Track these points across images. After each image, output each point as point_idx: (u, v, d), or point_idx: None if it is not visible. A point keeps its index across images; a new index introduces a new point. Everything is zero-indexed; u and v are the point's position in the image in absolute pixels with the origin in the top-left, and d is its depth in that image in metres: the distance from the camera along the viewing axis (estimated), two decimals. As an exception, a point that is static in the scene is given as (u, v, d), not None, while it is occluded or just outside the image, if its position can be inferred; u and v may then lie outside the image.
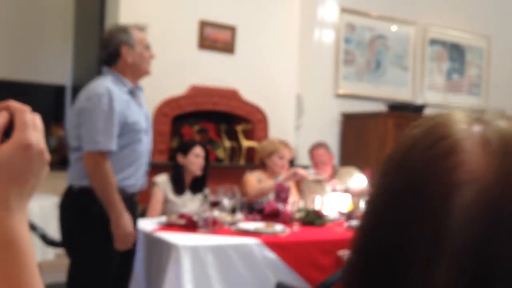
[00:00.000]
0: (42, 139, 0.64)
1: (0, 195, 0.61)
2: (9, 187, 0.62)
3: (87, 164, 2.40)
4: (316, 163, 4.05)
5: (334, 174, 4.05)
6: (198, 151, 3.41)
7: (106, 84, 2.46)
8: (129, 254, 2.63)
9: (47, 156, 0.64)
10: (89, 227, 2.45)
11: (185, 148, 3.44)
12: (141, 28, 2.65)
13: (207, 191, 3.24)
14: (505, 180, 0.43)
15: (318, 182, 3.99)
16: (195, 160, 3.39)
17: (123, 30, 2.59)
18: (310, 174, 3.84)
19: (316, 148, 4.11)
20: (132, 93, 2.57)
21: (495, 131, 0.45)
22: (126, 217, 2.43)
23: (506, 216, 0.42)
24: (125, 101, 2.51)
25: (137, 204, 2.70)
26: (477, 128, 0.46)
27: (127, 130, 2.50)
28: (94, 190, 2.41)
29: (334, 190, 3.62)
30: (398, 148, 0.49)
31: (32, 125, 0.63)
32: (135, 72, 2.59)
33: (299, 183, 4.16)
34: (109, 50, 2.57)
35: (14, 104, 0.63)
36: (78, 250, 2.50)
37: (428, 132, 0.47)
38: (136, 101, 2.59)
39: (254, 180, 3.68)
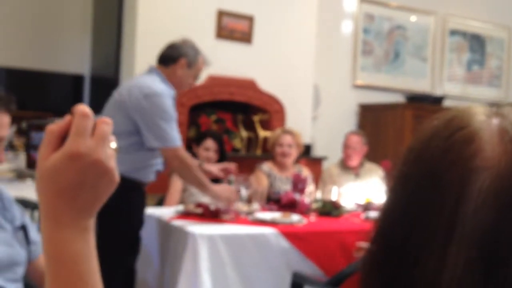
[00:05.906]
0: (102, 148, 0.56)
1: (49, 209, 0.57)
2: (57, 200, 0.56)
3: (174, 160, 2.55)
4: (346, 147, 4.02)
5: (359, 167, 4.03)
6: (208, 144, 3.40)
7: (158, 84, 2.56)
8: (137, 242, 2.68)
9: (108, 166, 0.57)
10: (124, 214, 2.51)
11: (198, 140, 3.45)
12: (207, 63, 2.82)
13: (232, 177, 3.23)
14: None
15: (345, 170, 3.98)
16: (203, 153, 3.40)
17: (195, 49, 2.73)
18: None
19: (352, 134, 4.11)
20: (173, 99, 2.64)
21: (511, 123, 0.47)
22: (216, 187, 2.68)
23: None
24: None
25: (145, 193, 2.74)
26: (495, 120, 0.48)
27: None
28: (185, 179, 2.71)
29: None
30: (418, 138, 0.51)
31: (87, 132, 0.56)
32: (174, 84, 2.67)
33: (320, 172, 4.14)
34: (172, 52, 2.66)
35: (78, 108, 0.57)
36: (109, 234, 2.57)
37: (448, 123, 0.49)
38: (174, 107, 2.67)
39: (263, 178, 3.67)
